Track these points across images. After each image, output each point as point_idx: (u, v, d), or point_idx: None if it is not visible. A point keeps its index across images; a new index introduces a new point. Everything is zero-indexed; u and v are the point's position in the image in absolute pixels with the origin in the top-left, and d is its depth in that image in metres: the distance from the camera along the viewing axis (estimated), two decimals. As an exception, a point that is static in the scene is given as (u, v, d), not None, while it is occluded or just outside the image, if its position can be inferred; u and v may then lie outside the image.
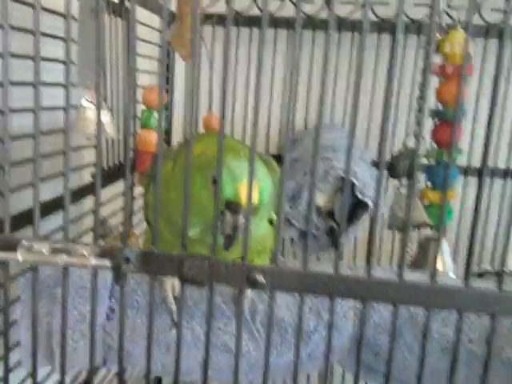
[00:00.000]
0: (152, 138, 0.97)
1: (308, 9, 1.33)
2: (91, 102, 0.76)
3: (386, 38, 1.38)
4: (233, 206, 0.63)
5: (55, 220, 0.81)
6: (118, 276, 0.57)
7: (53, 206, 0.78)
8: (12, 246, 0.57)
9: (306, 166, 0.91)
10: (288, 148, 0.60)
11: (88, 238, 0.96)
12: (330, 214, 0.90)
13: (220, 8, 1.32)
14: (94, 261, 0.56)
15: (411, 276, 0.55)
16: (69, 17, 0.56)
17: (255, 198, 0.64)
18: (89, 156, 0.91)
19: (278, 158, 1.41)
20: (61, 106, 0.76)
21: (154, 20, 1.22)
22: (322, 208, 0.89)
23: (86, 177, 0.96)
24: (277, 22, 1.35)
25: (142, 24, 1.13)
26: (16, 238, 0.57)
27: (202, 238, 0.66)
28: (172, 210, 0.66)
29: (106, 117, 0.78)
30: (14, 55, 0.57)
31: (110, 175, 1.04)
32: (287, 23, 1.35)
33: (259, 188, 0.65)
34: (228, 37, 0.54)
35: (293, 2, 1.31)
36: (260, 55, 0.52)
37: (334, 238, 0.89)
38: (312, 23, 1.34)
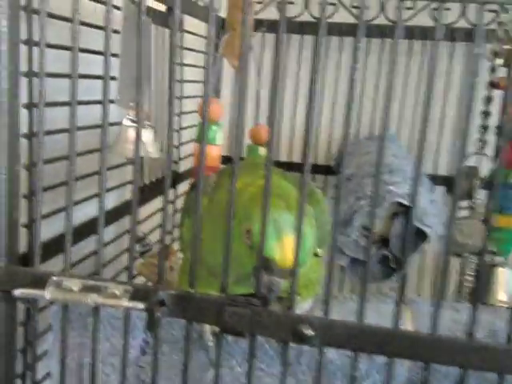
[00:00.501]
0: (210, 151, 0.92)
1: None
2: (134, 121, 0.71)
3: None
4: (268, 265, 0.54)
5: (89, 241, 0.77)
6: (152, 322, 0.52)
7: (86, 230, 0.74)
8: (41, 282, 0.53)
9: (359, 187, 0.84)
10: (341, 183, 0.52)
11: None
12: (384, 242, 0.82)
13: (270, 14, 1.26)
14: (126, 302, 0.51)
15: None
16: (108, 30, 0.51)
17: (291, 257, 0.54)
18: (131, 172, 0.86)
19: (327, 170, 1.36)
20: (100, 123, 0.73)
21: (202, 27, 1.18)
22: (374, 235, 0.82)
23: (127, 194, 0.92)
24: (329, 29, 1.28)
25: (189, 32, 1.09)
26: (45, 274, 0.53)
27: (239, 280, 0.60)
28: (205, 248, 0.58)
29: (148, 136, 0.73)
30: (49, 74, 0.52)
31: (152, 189, 1.00)
32: (339, 30, 1.28)
33: (296, 245, 0.54)
34: (281, 45, 0.48)
35: (346, 8, 1.24)
36: (315, 64, 0.46)
37: (386, 267, 0.82)
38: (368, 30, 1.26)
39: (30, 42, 0.57)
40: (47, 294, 0.51)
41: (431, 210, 0.81)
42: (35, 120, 0.58)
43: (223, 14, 1.28)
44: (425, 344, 0.48)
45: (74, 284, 0.53)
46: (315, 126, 1.36)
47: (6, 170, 0.53)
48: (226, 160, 0.86)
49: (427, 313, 0.75)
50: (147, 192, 0.97)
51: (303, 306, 0.75)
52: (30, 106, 0.58)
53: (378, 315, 0.77)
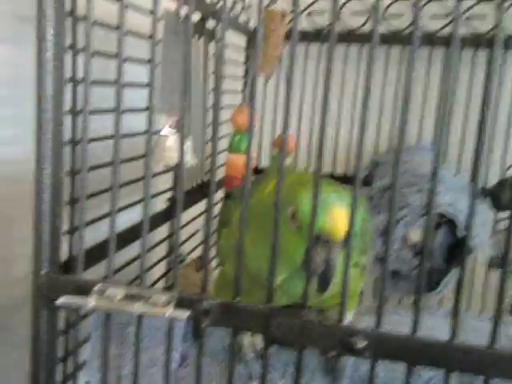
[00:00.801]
0: (242, 162, 0.91)
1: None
2: (172, 130, 0.71)
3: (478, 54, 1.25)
4: (323, 238, 0.53)
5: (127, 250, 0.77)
6: (197, 330, 0.51)
7: (125, 237, 0.73)
8: (84, 290, 0.52)
9: (401, 197, 0.82)
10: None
11: (159, 267, 0.91)
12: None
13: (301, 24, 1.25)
14: (170, 311, 0.50)
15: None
16: (155, 39, 0.51)
17: (344, 229, 0.53)
18: (162, 182, 0.86)
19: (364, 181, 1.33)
20: (136, 131, 0.73)
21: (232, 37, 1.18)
22: (417, 245, 0.80)
23: (158, 204, 0.91)
24: (364, 38, 1.27)
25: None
26: (88, 281, 0.52)
27: (283, 286, 0.58)
28: (247, 256, 0.56)
29: (186, 144, 0.72)
30: (94, 82, 0.52)
31: (186, 199, 0.99)
32: (400, 39, 1.26)
33: (349, 217, 0.53)
34: (331, 55, 0.47)
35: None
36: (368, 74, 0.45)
37: (429, 279, 0.80)
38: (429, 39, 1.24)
39: (74, 49, 0.57)
40: (91, 302, 0.51)
41: (476, 220, 0.78)
42: (79, 127, 0.58)
43: (254, 24, 1.28)
44: (483, 357, 0.46)
45: (118, 292, 0.52)
46: (347, 136, 1.35)
47: (50, 176, 0.53)
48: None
49: (473, 326, 0.72)
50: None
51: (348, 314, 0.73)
52: (73, 112, 0.58)
53: (424, 328, 0.75)
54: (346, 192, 0.58)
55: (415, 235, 0.79)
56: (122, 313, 0.51)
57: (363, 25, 1.26)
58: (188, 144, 0.74)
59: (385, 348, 0.47)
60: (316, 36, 1.29)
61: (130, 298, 0.52)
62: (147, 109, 0.53)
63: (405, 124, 0.46)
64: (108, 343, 0.55)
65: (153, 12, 0.50)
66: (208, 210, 0.54)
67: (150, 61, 0.52)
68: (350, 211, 0.52)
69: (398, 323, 0.65)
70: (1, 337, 0.88)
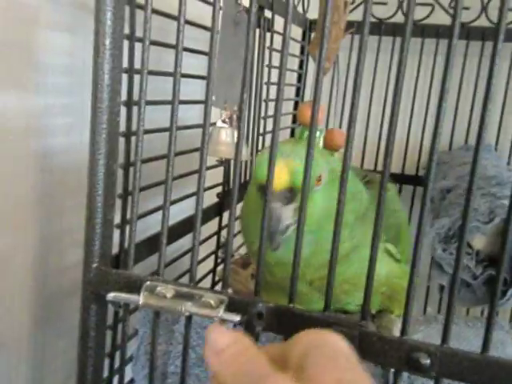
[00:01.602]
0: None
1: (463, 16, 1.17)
2: (226, 123, 0.68)
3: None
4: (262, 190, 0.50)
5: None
6: (250, 335, 0.48)
7: (175, 232, 0.72)
8: (134, 286, 0.51)
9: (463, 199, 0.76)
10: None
11: (206, 263, 0.90)
12: (491, 261, 0.75)
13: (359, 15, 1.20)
14: (221, 313, 0.48)
15: None
16: (215, 30, 0.48)
17: (285, 179, 0.51)
18: (211, 176, 0.83)
19: (415, 180, 1.28)
20: (189, 124, 0.71)
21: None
22: (480, 252, 0.75)
23: (206, 198, 0.89)
24: (424, 31, 1.20)
25: (279, 33, 1.05)
26: (139, 278, 0.51)
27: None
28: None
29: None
30: (151, 72, 0.50)
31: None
32: (436, 31, 1.20)
33: (291, 167, 0.51)
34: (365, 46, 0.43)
35: (444, 9, 1.17)
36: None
37: (494, 289, 0.74)
38: (466, 32, 1.17)
39: (132, 38, 0.55)
40: (141, 299, 0.49)
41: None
42: (134, 118, 0.56)
43: (311, 15, 1.24)
44: None
45: (168, 290, 0.50)
46: (401, 134, 1.29)
47: (104, 168, 0.51)
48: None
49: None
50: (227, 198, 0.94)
51: (394, 320, 0.69)
52: (129, 103, 0.56)
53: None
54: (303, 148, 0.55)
55: (479, 242, 0.74)
56: (172, 312, 0.49)
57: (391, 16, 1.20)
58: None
59: (452, 367, 0.43)
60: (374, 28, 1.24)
61: (180, 296, 0.50)
62: (203, 101, 0.51)
63: (484, 123, 0.42)
64: (155, 341, 0.54)
65: (211, 1, 0.47)
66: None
67: (208, 53, 0.50)
68: (293, 161, 0.51)
69: (457, 336, 0.60)
70: (50, 325, 0.89)
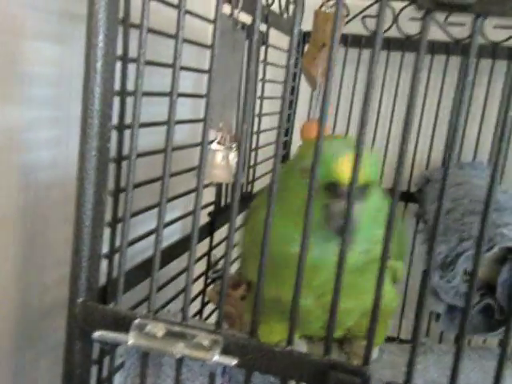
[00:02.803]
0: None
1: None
2: (222, 145, 0.65)
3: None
4: (332, 188, 0.49)
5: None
6: (248, 380, 0.46)
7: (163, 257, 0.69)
8: (122, 323, 0.48)
9: (464, 226, 0.75)
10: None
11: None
12: (488, 289, 0.73)
13: (353, 28, 1.18)
14: (216, 357, 0.45)
15: None
16: (214, 48, 0.45)
17: (362, 174, 0.47)
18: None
19: (407, 196, 1.26)
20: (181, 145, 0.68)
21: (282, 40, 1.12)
22: (478, 281, 0.73)
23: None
24: (434, 47, 1.18)
25: (273, 47, 1.03)
26: (128, 314, 0.48)
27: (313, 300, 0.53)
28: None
29: (235, 160, 0.67)
30: (145, 93, 0.47)
31: (225, 212, 0.94)
32: (445, 48, 1.18)
33: (366, 159, 0.46)
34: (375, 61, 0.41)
35: (439, 24, 1.15)
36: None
37: (490, 318, 0.73)
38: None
39: (125, 59, 0.52)
40: (130, 339, 0.46)
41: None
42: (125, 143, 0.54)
43: (305, 27, 1.22)
44: None
45: (159, 329, 0.47)
46: (394, 148, 1.27)
47: (92, 197, 0.48)
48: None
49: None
50: (223, 214, 0.91)
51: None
52: (121, 127, 0.54)
53: (483, 374, 0.68)
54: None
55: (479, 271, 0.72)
56: (163, 353, 0.46)
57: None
58: (235, 160, 0.69)
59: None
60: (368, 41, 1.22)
61: (172, 335, 0.47)
62: (200, 120, 0.48)
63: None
64: (144, 380, 0.51)
65: (208, 18, 0.44)
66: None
67: (206, 71, 0.47)
68: (372, 157, 0.49)
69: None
70: (31, 344, 0.86)
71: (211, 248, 0.85)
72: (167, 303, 0.72)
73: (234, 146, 0.67)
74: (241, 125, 0.72)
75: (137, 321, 0.47)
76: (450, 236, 0.75)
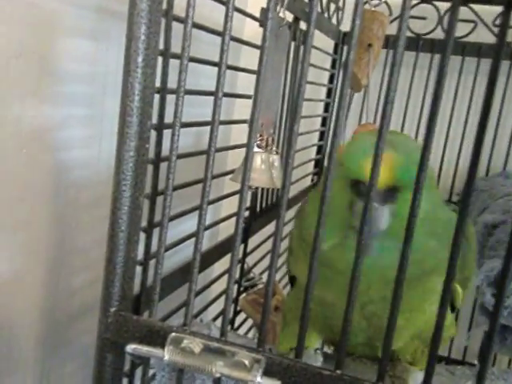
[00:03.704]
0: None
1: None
2: (261, 147, 0.62)
3: None
4: (357, 187, 0.46)
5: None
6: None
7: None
8: (157, 336, 0.45)
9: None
10: None
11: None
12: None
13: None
14: (259, 378, 0.41)
15: None
16: (265, 48, 0.42)
17: (388, 175, 0.45)
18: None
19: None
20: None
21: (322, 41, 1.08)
22: (533, 300, 0.67)
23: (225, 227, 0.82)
24: (465, 48, 1.13)
25: (315, 47, 0.99)
26: (164, 327, 0.45)
27: (333, 255, 0.49)
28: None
29: (276, 163, 0.63)
30: (188, 92, 0.44)
31: (263, 216, 0.90)
32: (478, 50, 1.12)
33: (395, 160, 0.45)
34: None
35: (487, 26, 1.10)
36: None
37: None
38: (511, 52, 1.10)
39: (167, 55, 0.49)
40: (166, 355, 0.43)
41: None
42: (165, 143, 0.50)
43: (344, 27, 1.18)
44: None
45: (196, 344, 0.43)
46: (435, 156, 1.21)
47: (129, 200, 0.45)
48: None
49: None
50: (258, 219, 0.87)
51: (416, 376, 0.62)
52: (160, 127, 0.50)
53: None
54: (405, 138, 0.50)
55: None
56: (200, 372, 0.43)
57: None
58: (277, 162, 0.65)
59: None
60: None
61: (210, 351, 0.44)
62: (242, 122, 0.45)
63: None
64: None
65: (254, 16, 0.41)
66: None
67: (257, 71, 0.43)
68: (404, 158, 0.44)
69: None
70: (57, 348, 0.84)
71: (245, 255, 0.81)
72: (199, 312, 0.68)
73: (274, 148, 0.63)
74: (287, 126, 0.68)
75: (172, 335, 0.44)
76: (501, 250, 0.69)
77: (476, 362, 0.89)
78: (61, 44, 0.72)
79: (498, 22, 1.09)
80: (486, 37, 1.10)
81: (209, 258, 0.66)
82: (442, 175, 1.18)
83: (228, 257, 0.78)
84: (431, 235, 0.49)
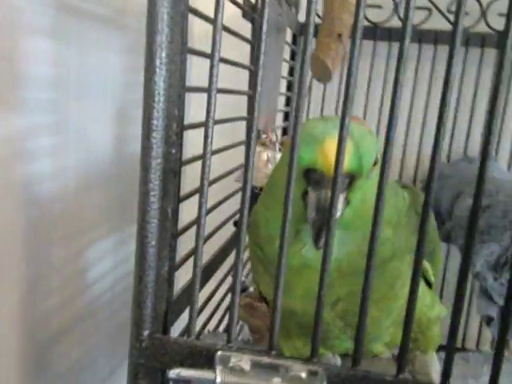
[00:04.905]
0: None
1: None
2: (265, 144, 0.59)
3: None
4: (312, 176, 0.43)
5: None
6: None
7: (211, 266, 0.61)
8: (200, 357, 0.41)
9: (510, 223, 0.71)
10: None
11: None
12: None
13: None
14: (322, 391, 0.39)
15: None
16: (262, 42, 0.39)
17: (346, 162, 0.42)
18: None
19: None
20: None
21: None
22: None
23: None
24: (421, 36, 1.15)
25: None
26: (207, 346, 0.41)
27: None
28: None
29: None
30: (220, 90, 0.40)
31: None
32: (434, 36, 1.15)
33: (349, 148, 0.42)
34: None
35: (443, 14, 1.12)
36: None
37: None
38: (466, 38, 1.13)
39: (184, 50, 0.45)
40: (218, 376, 0.39)
41: None
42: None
43: (302, 17, 1.16)
44: None
45: (244, 362, 0.40)
46: (396, 144, 1.23)
47: (158, 212, 0.41)
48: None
49: None
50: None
51: (436, 366, 0.62)
52: (182, 128, 0.46)
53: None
54: (358, 124, 0.47)
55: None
56: (257, 391, 0.39)
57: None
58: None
59: None
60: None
61: (260, 368, 0.41)
62: (242, 119, 0.42)
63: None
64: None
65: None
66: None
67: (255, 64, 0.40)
68: (358, 144, 0.43)
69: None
70: (39, 374, 0.77)
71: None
72: (205, 324, 0.65)
73: (278, 146, 0.61)
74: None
75: (219, 354, 0.40)
76: (498, 234, 0.71)
77: (474, 347, 0.92)
78: (20, 44, 0.65)
79: (452, 8, 1.12)
80: (441, 24, 1.12)
81: (213, 264, 0.63)
82: (404, 164, 1.20)
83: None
84: (387, 224, 0.49)
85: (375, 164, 0.45)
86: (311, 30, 0.36)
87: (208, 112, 0.39)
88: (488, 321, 0.69)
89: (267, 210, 0.50)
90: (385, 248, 0.48)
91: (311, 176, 0.43)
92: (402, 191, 0.54)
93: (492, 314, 0.69)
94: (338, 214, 0.43)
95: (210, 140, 0.39)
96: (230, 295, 0.77)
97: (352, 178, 0.44)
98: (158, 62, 0.39)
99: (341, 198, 0.43)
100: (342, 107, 0.37)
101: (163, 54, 0.39)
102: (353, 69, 0.35)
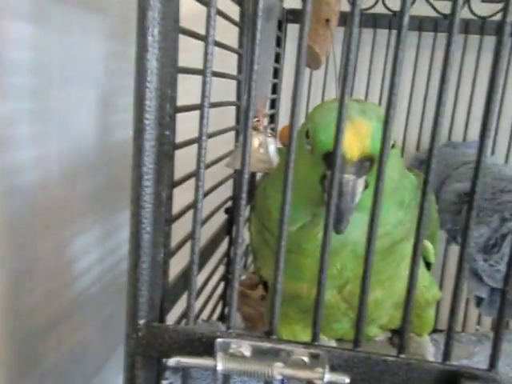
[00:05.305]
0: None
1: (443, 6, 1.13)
2: (257, 129, 0.58)
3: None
4: (329, 159, 0.42)
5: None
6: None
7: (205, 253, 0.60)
8: (198, 344, 0.40)
9: (500, 205, 0.71)
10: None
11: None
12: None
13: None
14: (328, 375, 0.38)
15: None
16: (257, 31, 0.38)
17: (362, 144, 0.42)
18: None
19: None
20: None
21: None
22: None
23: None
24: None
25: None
26: (206, 334, 0.40)
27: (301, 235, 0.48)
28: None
29: (272, 145, 0.60)
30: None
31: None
32: (419, 24, 1.15)
33: (371, 128, 0.43)
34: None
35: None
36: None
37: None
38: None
39: (176, 27, 0.43)
40: (219, 363, 0.38)
41: None
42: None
43: (288, 4, 1.15)
44: None
45: (245, 347, 0.39)
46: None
47: (152, 197, 0.40)
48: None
49: None
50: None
51: (424, 344, 0.62)
52: (175, 110, 0.44)
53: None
54: (375, 107, 0.47)
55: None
56: (259, 377, 0.39)
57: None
58: (273, 145, 0.61)
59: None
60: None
61: (261, 353, 0.40)
62: (233, 104, 0.41)
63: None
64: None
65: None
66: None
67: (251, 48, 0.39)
68: (378, 126, 0.42)
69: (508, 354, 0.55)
70: (24, 371, 0.75)
71: (230, 247, 0.77)
72: (199, 312, 0.64)
73: (269, 130, 0.60)
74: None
75: (219, 340, 0.39)
76: (486, 217, 0.71)
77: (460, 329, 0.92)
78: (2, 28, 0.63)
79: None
80: (425, 10, 1.12)
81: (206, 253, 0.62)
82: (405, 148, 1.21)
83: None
84: (399, 205, 0.49)
85: (393, 146, 0.45)
86: (307, 18, 0.34)
87: (203, 92, 0.38)
88: (478, 301, 0.70)
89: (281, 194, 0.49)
90: (397, 230, 0.49)
91: (332, 160, 0.42)
92: (409, 174, 0.54)
93: (482, 294, 0.70)
94: (358, 198, 0.43)
95: (205, 121, 0.38)
96: (222, 284, 0.77)
97: (372, 161, 0.43)
98: (150, 40, 0.37)
99: (361, 182, 0.43)
100: (341, 87, 0.36)
101: (155, 31, 0.38)
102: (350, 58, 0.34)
